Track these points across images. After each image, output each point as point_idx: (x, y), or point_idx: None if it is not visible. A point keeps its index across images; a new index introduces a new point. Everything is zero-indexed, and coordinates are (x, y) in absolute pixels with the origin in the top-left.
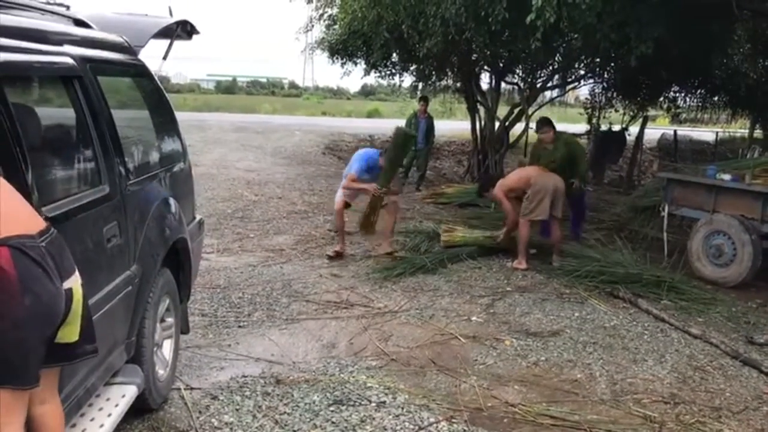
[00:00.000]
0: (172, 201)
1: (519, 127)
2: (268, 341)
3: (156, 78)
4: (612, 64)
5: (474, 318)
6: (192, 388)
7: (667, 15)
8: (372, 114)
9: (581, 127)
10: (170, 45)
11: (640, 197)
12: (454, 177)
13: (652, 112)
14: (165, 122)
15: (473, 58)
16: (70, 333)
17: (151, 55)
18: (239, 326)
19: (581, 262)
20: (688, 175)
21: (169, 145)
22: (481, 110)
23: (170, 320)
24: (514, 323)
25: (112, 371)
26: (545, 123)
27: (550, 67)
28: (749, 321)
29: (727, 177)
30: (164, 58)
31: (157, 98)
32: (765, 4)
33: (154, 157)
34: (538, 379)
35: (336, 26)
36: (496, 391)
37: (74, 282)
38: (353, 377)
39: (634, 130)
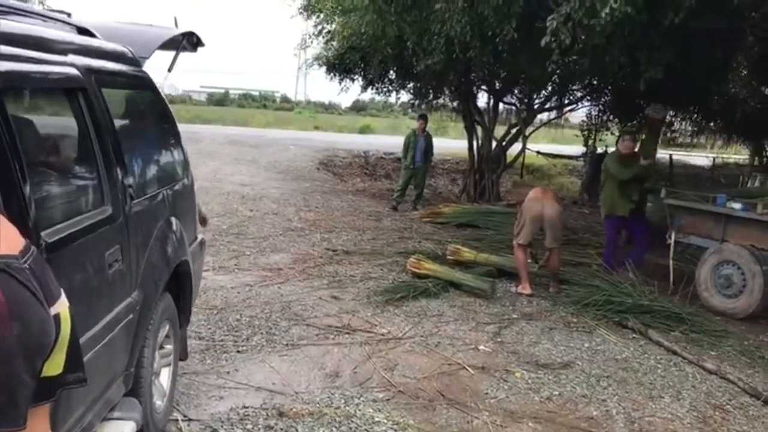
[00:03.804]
0: (174, 221)
1: (516, 148)
2: (269, 368)
3: (160, 91)
4: (609, 87)
5: (481, 347)
6: (190, 420)
7: (677, 40)
8: (364, 130)
9: (576, 149)
10: (175, 57)
11: None
12: (449, 196)
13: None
14: (168, 137)
15: (472, 77)
16: (56, 365)
17: (154, 66)
18: (238, 351)
19: (587, 290)
20: (697, 202)
21: (173, 160)
22: (479, 129)
23: (169, 347)
24: (523, 353)
25: (110, 406)
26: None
27: (549, 88)
28: (764, 356)
29: (737, 206)
30: (169, 70)
31: (160, 112)
32: None
33: (158, 173)
34: (552, 416)
35: (334, 42)
36: (510, 429)
37: (62, 306)
38: (360, 411)
39: None
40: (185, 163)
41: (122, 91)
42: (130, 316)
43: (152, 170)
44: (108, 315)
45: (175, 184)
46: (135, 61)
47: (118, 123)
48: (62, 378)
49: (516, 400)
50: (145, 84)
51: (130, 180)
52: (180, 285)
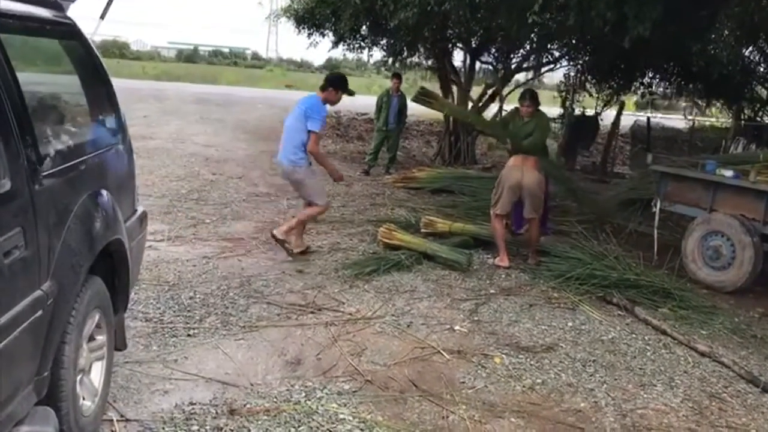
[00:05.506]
0: (104, 194)
1: (492, 109)
2: (222, 355)
3: (90, 41)
4: (588, 48)
5: (457, 327)
6: (127, 420)
7: None
8: None
9: (553, 111)
10: (109, 2)
11: (625, 190)
12: (423, 159)
13: (623, 97)
14: (99, 95)
15: (448, 34)
16: None
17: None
18: (188, 335)
19: (569, 263)
20: (685, 169)
21: (104, 122)
22: (454, 89)
23: (101, 338)
24: (503, 334)
25: (14, 421)
26: (529, 96)
27: (528, 47)
28: (756, 335)
29: (728, 173)
30: (101, 17)
31: (89, 66)
32: None
33: (83, 138)
34: (536, 409)
35: None
36: (489, 425)
37: None
38: (322, 406)
39: (605, 115)
40: (121, 127)
41: (36, 40)
42: (39, 312)
43: (75, 135)
44: (3, 316)
45: (106, 151)
46: (55, 5)
47: (30, 78)
48: None
49: (495, 389)
50: (69, 32)
51: (39, 148)
52: (114, 266)
